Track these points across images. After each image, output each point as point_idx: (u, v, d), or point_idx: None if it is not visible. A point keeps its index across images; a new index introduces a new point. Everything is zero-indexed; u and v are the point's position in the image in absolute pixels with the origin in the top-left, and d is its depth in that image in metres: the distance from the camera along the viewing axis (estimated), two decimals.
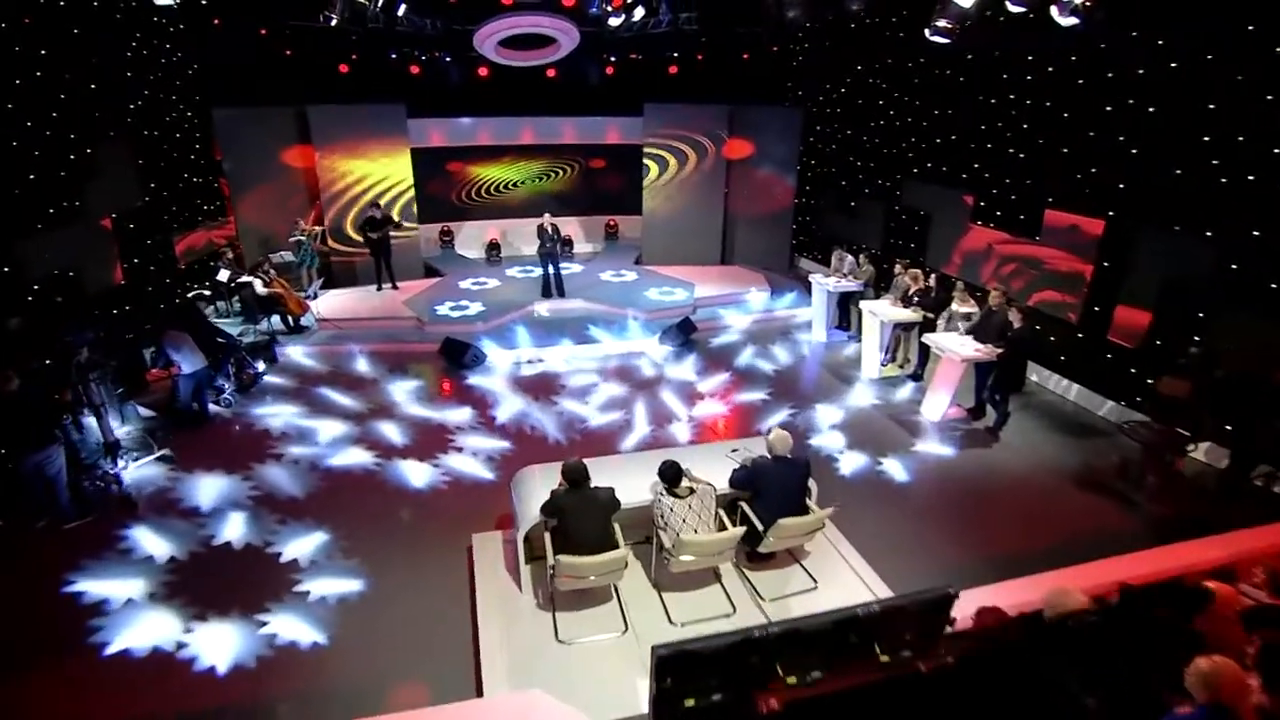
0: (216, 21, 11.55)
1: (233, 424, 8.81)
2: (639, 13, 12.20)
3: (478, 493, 7.27)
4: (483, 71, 16.08)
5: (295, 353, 10.84)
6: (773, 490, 5.13)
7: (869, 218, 13.99)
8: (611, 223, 17.69)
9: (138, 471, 7.47)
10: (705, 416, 8.98)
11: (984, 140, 10.95)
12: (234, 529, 6.63)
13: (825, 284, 11.55)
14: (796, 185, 15.59)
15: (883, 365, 10.49)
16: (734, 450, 5.85)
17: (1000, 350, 8.28)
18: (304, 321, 11.56)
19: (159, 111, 11.41)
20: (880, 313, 10.01)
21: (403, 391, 9.62)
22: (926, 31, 10.57)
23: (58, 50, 8.86)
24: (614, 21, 12.57)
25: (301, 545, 6.40)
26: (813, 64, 15.21)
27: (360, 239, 13.13)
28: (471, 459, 7.87)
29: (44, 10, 8.83)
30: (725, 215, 15.68)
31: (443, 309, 12.19)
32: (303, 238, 12.72)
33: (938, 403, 8.98)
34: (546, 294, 12.88)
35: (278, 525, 6.69)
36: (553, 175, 17.43)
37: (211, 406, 9.00)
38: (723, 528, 5.23)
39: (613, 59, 15.23)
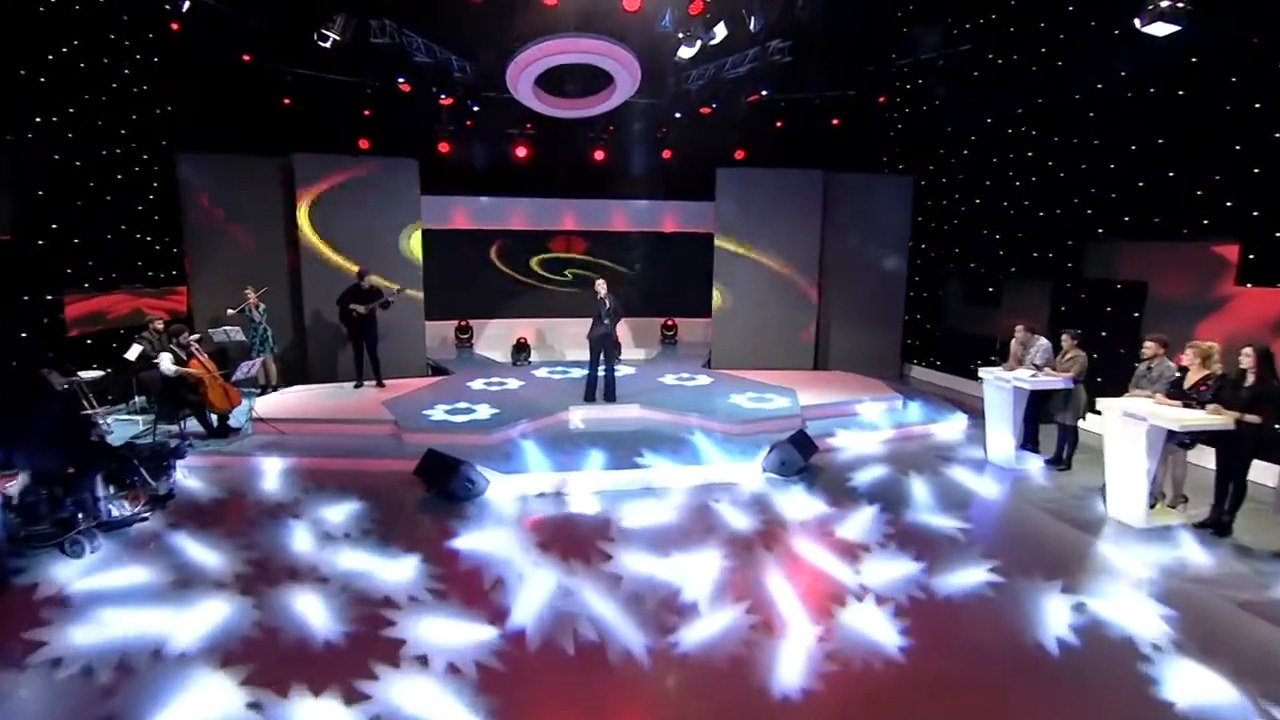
0: (175, 26, 8.75)
1: (43, 594, 4.70)
2: (720, 32, 9.10)
3: None
4: (521, 151, 13.39)
5: (200, 466, 6.92)
6: None
7: (1024, 302, 10.00)
8: (669, 324, 14.06)
9: None
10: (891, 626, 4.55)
11: (1249, 164, 7.13)
12: None
13: (1014, 380, 7.36)
14: (908, 273, 11.88)
15: (1150, 507, 6.06)
16: None
17: None
18: (232, 421, 7.71)
19: (93, 142, 8.43)
20: (1155, 416, 5.72)
21: (335, 548, 5.50)
22: (1138, 22, 7.24)
23: None
24: (685, 52, 9.54)
25: None
26: (924, 126, 11.97)
27: (341, 314, 9.44)
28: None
29: None
30: (819, 311, 11.85)
31: (435, 413, 8.27)
32: (252, 312, 9.21)
33: None
34: (590, 397, 8.89)
35: None
36: (599, 266, 14.18)
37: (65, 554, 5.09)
38: None
39: (678, 116, 12.20)
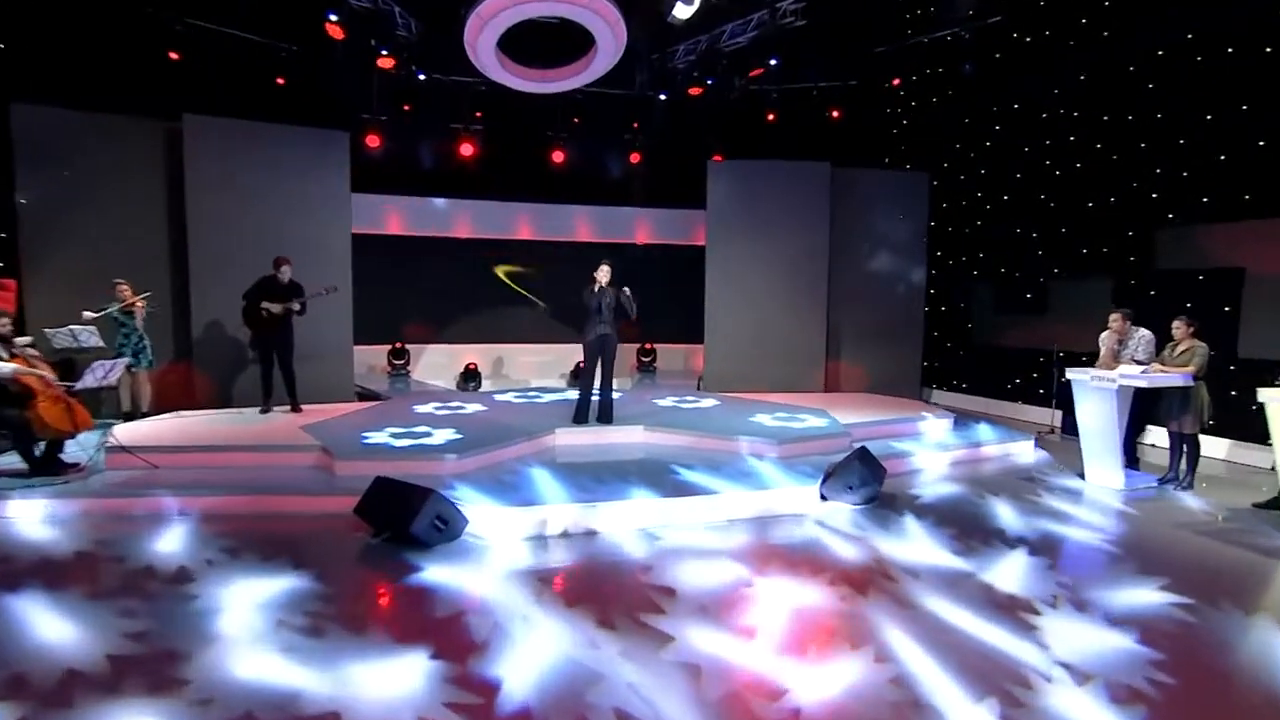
0: None
1: None
2: None
3: None
4: (466, 148, 12.04)
5: (44, 517, 4.94)
6: None
7: (1078, 305, 9.18)
8: (647, 348, 12.73)
9: None
10: None
11: None
12: None
13: (1120, 378, 6.28)
14: (926, 283, 11.01)
15: None
16: None
17: None
18: (69, 451, 5.69)
19: None
20: None
21: (236, 637, 3.70)
22: None
23: None
24: (682, 11, 8.51)
25: None
26: (937, 118, 11.30)
27: (246, 313, 7.55)
28: None
29: None
30: (828, 328, 10.64)
31: (378, 437, 6.50)
32: (132, 317, 7.30)
33: None
34: (582, 419, 7.32)
35: None
36: (561, 281, 12.83)
37: None
38: None
39: (662, 98, 11.11)
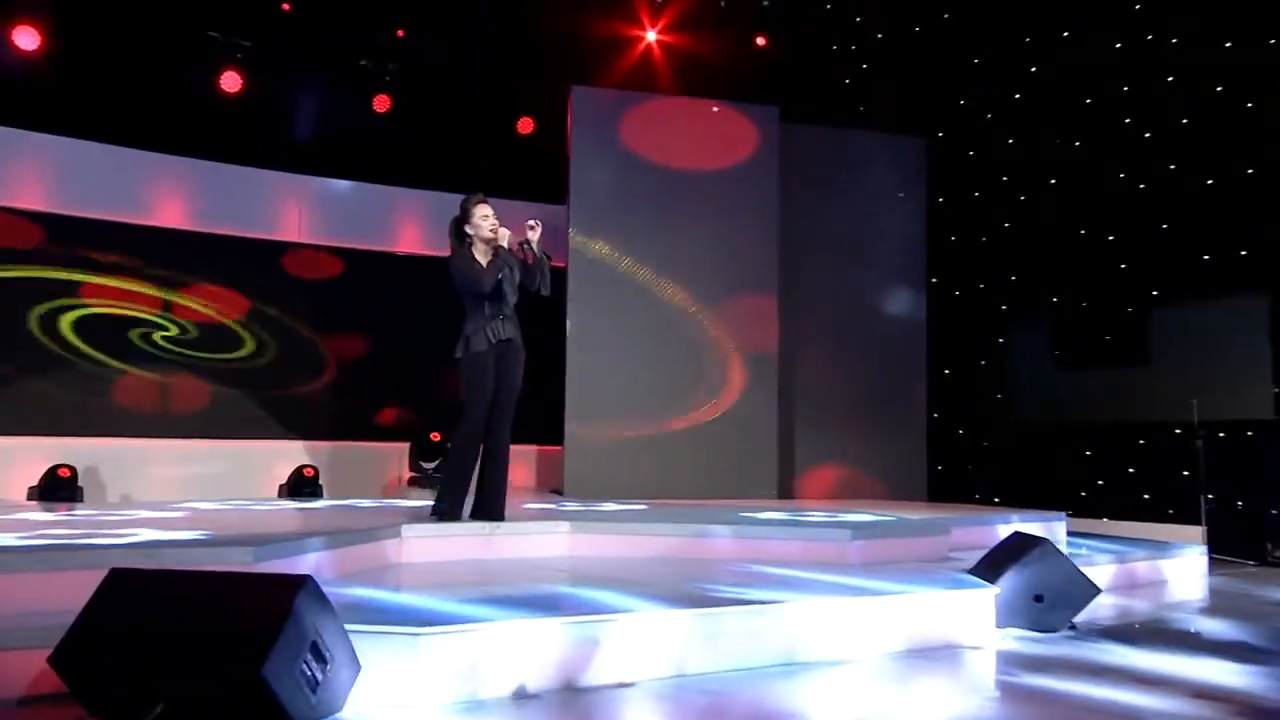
0: None
1: None
2: None
3: None
4: (28, 38, 10.48)
5: None
6: None
7: (1206, 346, 9.37)
8: (433, 439, 11.69)
9: None
10: None
11: None
12: None
13: None
14: (929, 330, 11.22)
15: None
16: None
17: None
18: None
19: None
20: None
21: None
22: None
23: None
24: None
25: None
26: (929, 61, 11.67)
27: None
28: None
29: None
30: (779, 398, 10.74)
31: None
32: None
33: None
34: (453, 511, 6.32)
35: None
36: (254, 330, 11.55)
37: None
38: None
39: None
